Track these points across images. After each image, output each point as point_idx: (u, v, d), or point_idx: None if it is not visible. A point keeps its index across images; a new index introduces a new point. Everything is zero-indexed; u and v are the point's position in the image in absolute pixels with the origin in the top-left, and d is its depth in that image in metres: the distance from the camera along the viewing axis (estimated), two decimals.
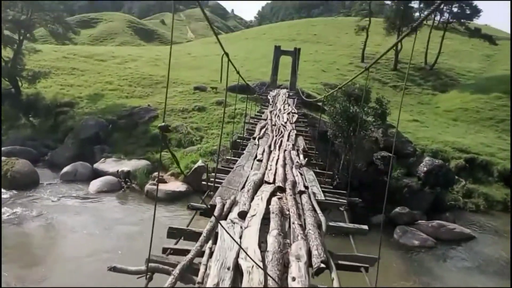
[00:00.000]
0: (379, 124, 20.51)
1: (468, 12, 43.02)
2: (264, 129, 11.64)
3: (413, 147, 21.61)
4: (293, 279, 2.93)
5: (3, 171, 15.66)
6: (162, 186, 16.28)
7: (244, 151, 8.71)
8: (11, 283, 9.32)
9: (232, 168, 6.97)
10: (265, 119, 13.89)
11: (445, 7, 41.88)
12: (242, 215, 3.87)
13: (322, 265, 3.12)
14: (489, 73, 41.99)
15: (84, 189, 16.32)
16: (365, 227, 4.69)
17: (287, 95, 22.32)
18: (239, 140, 10.91)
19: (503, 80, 37.93)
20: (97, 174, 17.62)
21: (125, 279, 3.80)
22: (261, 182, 5.34)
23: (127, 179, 17.09)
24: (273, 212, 3.83)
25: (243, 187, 5.31)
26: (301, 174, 6.36)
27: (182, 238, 4.05)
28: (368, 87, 17.42)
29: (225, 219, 4.00)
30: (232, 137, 15.01)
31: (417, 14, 44.85)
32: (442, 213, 17.58)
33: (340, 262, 3.76)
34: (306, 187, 5.47)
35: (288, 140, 10.09)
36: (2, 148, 17.99)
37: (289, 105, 18.76)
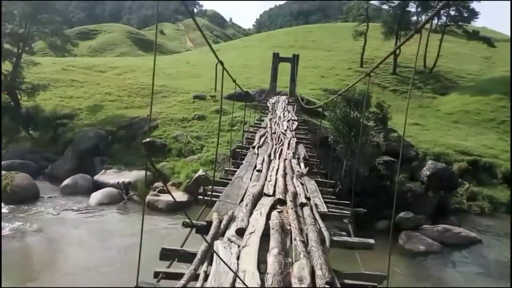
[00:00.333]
0: (380, 129, 20.42)
1: (465, 14, 43.10)
2: (263, 138, 11.48)
3: (415, 151, 21.47)
4: None
5: (3, 185, 15.53)
6: (163, 197, 16.15)
7: (243, 161, 8.51)
8: None
9: (230, 180, 6.74)
10: (265, 127, 13.74)
11: (442, 10, 41.94)
12: (240, 232, 3.65)
13: (327, 287, 2.92)
14: (488, 75, 41.96)
15: (85, 201, 16.17)
16: (372, 241, 4.43)
17: (286, 102, 22.25)
18: (238, 150, 10.70)
19: (502, 81, 37.86)
20: (98, 186, 17.48)
21: None
22: (260, 195, 5.12)
23: (127, 191, 16.94)
24: (273, 228, 3.60)
25: (242, 200, 5.09)
26: (302, 184, 6.15)
27: (176, 259, 3.83)
28: (369, 93, 17.32)
29: (223, 236, 3.79)
30: (231, 146, 14.88)
31: (414, 18, 45.01)
32: (447, 217, 17.40)
33: (346, 281, 3.59)
34: (308, 198, 5.23)
35: (288, 148, 9.91)
36: (2, 162, 17.89)
37: (288, 112, 18.67)
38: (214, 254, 3.22)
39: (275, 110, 19.11)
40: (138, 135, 21.28)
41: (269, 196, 5.12)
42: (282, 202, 4.85)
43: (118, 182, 17.24)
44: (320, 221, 4.32)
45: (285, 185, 5.78)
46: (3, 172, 16.41)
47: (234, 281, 2.91)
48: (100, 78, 31.27)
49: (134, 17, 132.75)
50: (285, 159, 8.22)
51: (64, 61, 36.12)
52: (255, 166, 7.54)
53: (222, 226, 4.01)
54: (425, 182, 18.84)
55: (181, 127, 22.31)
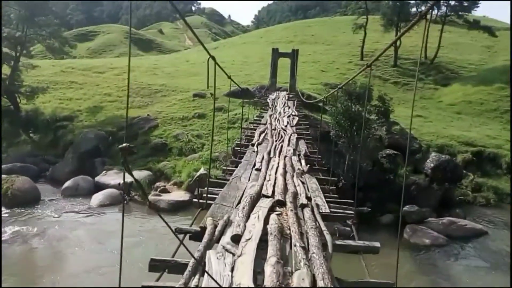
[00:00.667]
0: (382, 122, 20.20)
1: (466, 4, 42.68)
2: (263, 134, 11.25)
3: (418, 143, 21.25)
4: None
5: (3, 189, 15.45)
6: (165, 196, 16.05)
7: (242, 160, 8.26)
8: None
9: (228, 180, 6.47)
10: (265, 124, 13.53)
11: (442, 0, 41.58)
12: (236, 239, 3.39)
13: None
14: (490, 65, 41.57)
15: (86, 203, 16.07)
16: (377, 244, 4.19)
17: (287, 98, 22.04)
18: (237, 148, 10.46)
19: (504, 70, 37.49)
20: (99, 187, 17.38)
21: None
22: (258, 196, 4.84)
23: (129, 191, 16.84)
24: (271, 234, 3.33)
25: (239, 202, 4.80)
26: (303, 183, 5.88)
27: (167, 271, 3.59)
28: (370, 86, 17.12)
29: (218, 242, 3.54)
30: (227, 145, 14.70)
31: (414, 9, 44.60)
32: (452, 209, 17.20)
33: None
34: (309, 198, 4.97)
35: (288, 145, 9.67)
36: (3, 166, 17.82)
37: (289, 107, 18.47)
38: (206, 265, 3.01)
39: (275, 106, 18.91)
40: (138, 135, 21.18)
41: (268, 197, 4.84)
42: (282, 203, 4.61)
43: (119, 183, 17.13)
44: (321, 223, 4.08)
45: (285, 185, 5.53)
46: (3, 176, 16.33)
47: None
48: (99, 79, 31.16)
49: (132, 17, 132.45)
50: (285, 156, 7.97)
51: (63, 63, 36.01)
52: (254, 165, 7.30)
53: (217, 232, 3.76)
54: (429, 174, 18.64)
55: (182, 125, 22.17)
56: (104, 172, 18.41)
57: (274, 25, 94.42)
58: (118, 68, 35.86)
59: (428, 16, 43.66)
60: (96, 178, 17.96)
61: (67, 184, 17.35)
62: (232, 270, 2.89)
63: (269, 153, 8.14)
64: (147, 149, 19.95)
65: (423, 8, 45.05)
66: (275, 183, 5.47)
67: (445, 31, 42.65)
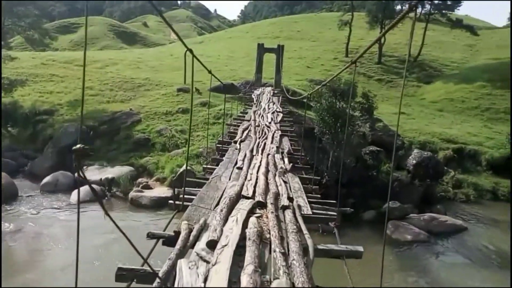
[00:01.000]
0: (366, 119, 20.34)
1: (449, 2, 43.26)
2: (247, 131, 11.11)
3: (401, 140, 21.48)
4: None
5: None
6: (147, 193, 15.81)
7: (224, 157, 8.05)
8: None
9: (207, 179, 6.22)
10: (248, 120, 13.38)
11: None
12: (212, 245, 3.17)
13: None
14: (471, 63, 42.30)
15: (66, 199, 15.71)
16: (360, 248, 4.03)
17: (271, 93, 21.93)
18: (219, 145, 10.26)
19: (486, 69, 38.24)
20: (80, 183, 16.98)
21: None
22: (238, 197, 4.64)
23: (110, 187, 16.55)
24: (249, 239, 3.12)
25: (218, 204, 4.60)
26: (285, 183, 5.75)
27: (135, 281, 3.36)
28: (354, 82, 17.17)
29: (193, 248, 3.33)
30: (207, 140, 14.52)
31: (398, 7, 44.95)
32: (433, 205, 17.45)
33: None
34: (291, 199, 4.82)
35: (272, 142, 9.52)
36: None
37: (274, 103, 18.37)
38: (177, 275, 2.79)
39: (260, 102, 18.79)
40: (120, 129, 20.81)
41: (248, 198, 4.65)
42: (262, 205, 4.42)
43: (100, 179, 16.81)
44: (303, 226, 3.95)
45: (267, 184, 5.37)
46: None
47: None
48: (80, 73, 30.46)
49: (116, 10, 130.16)
50: (268, 154, 7.85)
51: (44, 56, 35.09)
52: (236, 163, 7.12)
53: (191, 237, 3.51)
54: (411, 171, 18.86)
55: (165, 120, 21.87)
56: (85, 167, 17.97)
57: (260, 20, 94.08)
58: (101, 61, 35.15)
59: (412, 14, 44.16)
60: (76, 174, 17.55)
61: (46, 179, 16.93)
62: (205, 280, 2.70)
63: (251, 150, 7.99)
64: (130, 144, 19.63)
65: (407, 6, 45.47)
66: (256, 182, 5.28)
67: (428, 29, 43.15)
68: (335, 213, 5.06)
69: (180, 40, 3.98)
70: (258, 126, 12.01)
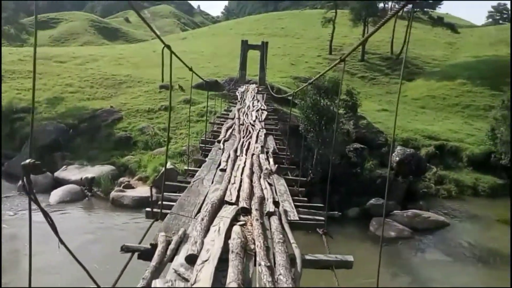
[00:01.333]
0: (350, 116, 20.40)
1: (430, 1, 43.83)
2: (231, 130, 10.87)
3: (384, 137, 21.63)
4: None
5: None
6: (129, 192, 15.49)
7: (207, 158, 7.77)
8: None
9: (189, 183, 5.87)
10: (232, 118, 13.17)
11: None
12: (191, 259, 2.88)
13: None
14: (452, 61, 43.01)
15: (45, 200, 15.24)
16: (350, 258, 3.81)
17: (256, 91, 21.77)
18: (202, 145, 9.95)
19: (466, 66, 38.94)
20: (59, 183, 16.54)
21: None
22: (221, 203, 4.35)
23: (91, 187, 16.14)
24: (232, 251, 2.88)
25: (199, 211, 4.28)
26: (270, 185, 5.51)
27: None
28: (338, 80, 17.15)
29: (172, 261, 3.05)
30: (188, 142, 14.28)
31: (381, 5, 45.35)
32: (416, 201, 17.65)
33: None
34: (276, 203, 4.60)
35: (256, 141, 9.30)
36: None
37: (258, 101, 18.21)
38: None
39: (244, 100, 18.60)
40: (101, 127, 20.33)
41: (232, 204, 4.37)
42: (246, 211, 4.16)
43: (81, 178, 16.40)
44: (290, 235, 3.72)
45: (251, 188, 5.09)
46: None
47: None
48: (60, 69, 29.67)
49: (97, 5, 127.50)
50: (253, 154, 7.66)
51: (21, 51, 34.03)
52: (219, 164, 6.85)
53: (169, 251, 3.19)
54: (394, 168, 19.00)
55: (147, 118, 21.47)
56: (64, 167, 17.55)
57: (244, 16, 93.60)
58: (81, 57, 34.38)
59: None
60: (56, 174, 17.09)
61: None
62: None
63: (235, 150, 7.78)
64: (111, 143, 19.20)
65: (390, 3, 45.94)
66: (240, 186, 5.04)
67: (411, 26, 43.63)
68: (323, 218, 4.84)
69: (158, 36, 3.79)
70: (243, 124, 11.82)
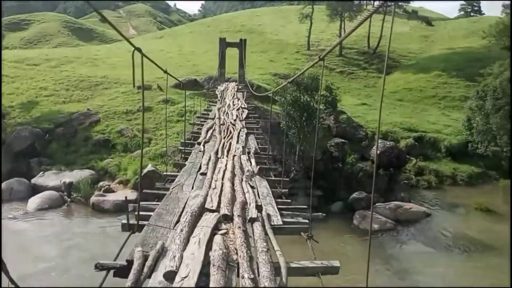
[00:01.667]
0: (330, 111, 20.51)
1: None
2: (211, 131, 10.67)
3: (364, 131, 21.87)
4: None
5: None
6: (109, 196, 15.17)
7: (187, 162, 7.51)
8: None
9: (168, 189, 5.63)
10: (213, 118, 12.98)
11: None
12: (170, 277, 2.72)
13: None
14: (427, 53, 43.78)
15: (22, 208, 14.78)
16: (337, 264, 3.70)
17: (236, 89, 21.61)
18: (182, 148, 9.65)
19: (441, 59, 39.71)
20: (36, 189, 16.05)
21: None
22: (202, 210, 4.16)
23: (70, 192, 15.73)
24: (213, 265, 2.73)
25: (178, 221, 4.07)
26: (252, 188, 5.38)
27: None
28: (317, 76, 17.20)
29: (150, 277, 2.87)
30: (166, 144, 14.06)
31: (356, 1, 45.77)
32: (398, 193, 17.91)
33: None
34: (259, 208, 4.47)
35: (237, 142, 9.14)
36: None
37: (238, 99, 18.08)
38: None
39: (224, 98, 18.43)
40: (78, 131, 19.83)
41: (213, 211, 4.18)
42: (228, 218, 4.00)
43: (59, 184, 15.96)
44: (274, 242, 3.60)
45: (233, 192, 4.95)
46: None
47: None
48: (33, 72, 28.77)
49: (70, 5, 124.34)
50: (234, 156, 7.52)
51: None
52: (200, 168, 6.63)
53: (146, 267, 2.97)
54: (375, 161, 19.25)
55: (126, 120, 21.05)
56: (41, 173, 17.04)
57: (221, 14, 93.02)
58: (55, 59, 33.40)
59: (370, 7, 45.06)
60: (33, 180, 16.57)
61: None
62: None
63: (216, 152, 7.60)
64: (89, 146, 18.75)
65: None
66: (221, 191, 4.89)
67: (386, 20, 44.15)
68: (307, 221, 4.67)
69: (127, 40, 3.68)
70: (223, 124, 11.66)
